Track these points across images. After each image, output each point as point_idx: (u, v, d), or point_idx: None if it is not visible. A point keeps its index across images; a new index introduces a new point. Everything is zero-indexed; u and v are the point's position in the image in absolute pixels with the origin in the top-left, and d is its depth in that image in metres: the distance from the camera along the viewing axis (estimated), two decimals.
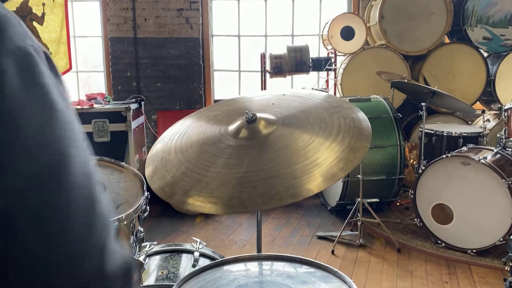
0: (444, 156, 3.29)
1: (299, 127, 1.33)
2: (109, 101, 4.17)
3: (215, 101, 5.42)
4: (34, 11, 4.17)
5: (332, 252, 3.35)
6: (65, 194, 0.48)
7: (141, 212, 1.65)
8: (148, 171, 1.40)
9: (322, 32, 4.96)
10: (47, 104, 0.49)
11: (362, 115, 1.36)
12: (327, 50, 4.98)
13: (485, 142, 3.71)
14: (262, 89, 4.56)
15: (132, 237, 1.62)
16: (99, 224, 0.51)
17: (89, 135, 3.78)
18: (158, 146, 1.49)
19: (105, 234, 0.52)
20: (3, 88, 0.45)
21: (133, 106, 4.00)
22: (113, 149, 3.78)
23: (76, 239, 0.48)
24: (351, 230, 3.59)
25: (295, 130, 1.32)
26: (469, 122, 4.56)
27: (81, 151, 0.53)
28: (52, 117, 0.49)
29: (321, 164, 1.18)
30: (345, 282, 1.14)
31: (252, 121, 1.36)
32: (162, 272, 1.57)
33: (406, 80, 3.86)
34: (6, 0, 3.99)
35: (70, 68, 4.37)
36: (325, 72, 4.85)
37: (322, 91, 4.52)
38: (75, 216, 0.48)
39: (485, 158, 3.16)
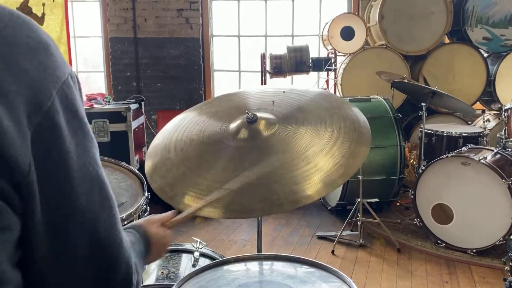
0: (444, 156, 3.29)
1: (299, 129, 1.32)
2: (109, 101, 4.17)
3: None
4: (34, 11, 4.17)
5: (332, 252, 3.35)
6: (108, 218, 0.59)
7: (141, 212, 1.66)
8: (147, 165, 1.39)
9: (322, 32, 4.96)
10: (84, 137, 0.55)
11: (361, 117, 1.35)
12: (327, 50, 4.98)
13: (485, 142, 3.71)
14: None
15: None
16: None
17: None
18: (158, 140, 1.49)
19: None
20: (60, 130, 0.50)
21: (133, 106, 4.00)
22: (113, 149, 3.78)
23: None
24: (351, 230, 3.59)
25: (295, 133, 1.31)
26: (469, 122, 4.56)
27: (100, 169, 0.60)
28: (87, 149, 0.55)
29: (321, 169, 1.17)
30: (345, 282, 1.14)
31: (252, 121, 1.35)
32: (162, 272, 1.57)
33: (406, 80, 3.86)
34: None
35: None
36: (325, 72, 4.85)
37: None
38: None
39: (485, 158, 3.16)
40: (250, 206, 1.14)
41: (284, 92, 1.53)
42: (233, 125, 1.40)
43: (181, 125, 1.51)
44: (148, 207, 1.71)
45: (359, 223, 3.40)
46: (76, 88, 0.55)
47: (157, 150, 1.43)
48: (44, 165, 0.48)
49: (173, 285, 1.18)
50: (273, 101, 1.48)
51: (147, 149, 4.43)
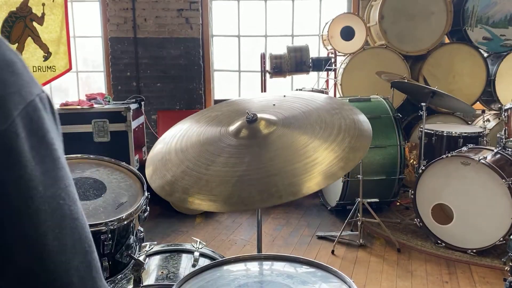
0: (444, 156, 3.29)
1: (300, 127, 1.33)
2: (109, 101, 4.17)
3: (215, 101, 5.42)
4: (34, 11, 4.17)
5: (332, 252, 3.35)
6: (70, 253, 0.48)
7: (141, 212, 1.66)
8: (148, 171, 1.40)
9: (322, 32, 4.96)
10: (54, 165, 0.48)
11: (362, 117, 1.36)
12: (327, 50, 4.98)
13: (485, 142, 3.71)
14: (262, 89, 4.56)
15: (132, 237, 1.62)
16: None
17: (89, 135, 3.78)
18: (159, 146, 1.50)
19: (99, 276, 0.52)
20: (19, 155, 0.44)
21: (133, 106, 4.00)
22: (113, 149, 3.78)
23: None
24: (351, 230, 3.59)
25: (296, 130, 1.32)
26: (469, 122, 4.56)
27: (78, 205, 0.51)
28: (57, 179, 0.48)
29: (321, 162, 1.18)
30: (345, 282, 1.14)
31: (252, 121, 1.36)
32: (162, 272, 1.57)
33: (406, 80, 3.86)
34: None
35: (70, 68, 4.37)
36: (325, 72, 4.85)
37: (322, 91, 4.53)
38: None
39: (485, 158, 3.16)
40: (249, 198, 1.14)
41: (284, 96, 1.54)
42: (233, 126, 1.41)
43: (181, 130, 1.52)
44: (148, 207, 1.71)
45: (359, 223, 3.40)
46: (46, 111, 0.49)
47: (158, 154, 1.43)
48: (0, 194, 0.43)
49: (173, 285, 1.18)
50: (274, 104, 1.49)
51: (147, 149, 4.44)
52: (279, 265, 1.26)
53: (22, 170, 0.44)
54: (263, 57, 4.53)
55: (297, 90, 4.17)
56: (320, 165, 1.17)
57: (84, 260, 0.49)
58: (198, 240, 1.75)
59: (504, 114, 3.54)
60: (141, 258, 1.36)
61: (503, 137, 3.42)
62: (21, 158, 0.44)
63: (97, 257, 0.52)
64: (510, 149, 3.36)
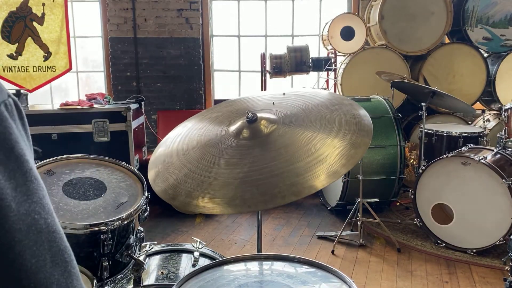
0: (444, 156, 3.29)
1: (300, 125, 1.33)
2: (109, 101, 4.17)
3: (215, 101, 5.42)
4: (34, 11, 4.17)
5: (332, 252, 3.35)
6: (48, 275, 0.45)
7: (141, 212, 1.66)
8: (150, 174, 1.40)
9: (322, 32, 4.96)
10: (25, 178, 0.44)
11: (363, 111, 1.36)
12: (327, 50, 4.98)
13: (485, 142, 3.71)
14: (262, 89, 4.56)
15: (132, 237, 1.62)
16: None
17: (89, 135, 3.78)
18: (161, 149, 1.50)
19: None
20: None
21: (133, 106, 4.00)
22: (113, 149, 3.78)
23: None
24: (351, 230, 3.59)
25: (297, 128, 1.32)
26: (469, 122, 4.56)
27: (54, 216, 0.48)
28: (29, 193, 0.44)
29: (324, 160, 1.18)
30: (345, 282, 1.14)
31: (253, 121, 1.36)
32: (162, 272, 1.57)
33: (406, 80, 3.86)
34: None
35: (70, 68, 4.37)
36: (325, 72, 4.85)
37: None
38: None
39: (485, 158, 3.16)
40: (252, 200, 1.14)
41: (284, 94, 1.54)
42: (234, 127, 1.41)
43: (182, 133, 1.52)
44: (148, 207, 1.71)
45: (359, 223, 3.40)
46: (14, 118, 0.44)
47: (160, 157, 1.43)
48: None
49: (173, 285, 1.18)
50: (273, 102, 1.49)
51: (147, 149, 4.44)
52: (279, 265, 1.26)
53: None
54: (263, 57, 4.53)
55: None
56: (322, 164, 1.17)
57: (64, 271, 0.47)
58: (198, 240, 1.75)
59: (504, 114, 3.54)
60: (141, 258, 1.36)
61: (503, 137, 3.42)
62: None
63: (76, 264, 0.49)
64: (510, 149, 3.36)
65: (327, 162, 1.17)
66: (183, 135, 1.49)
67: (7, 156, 0.43)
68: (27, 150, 0.45)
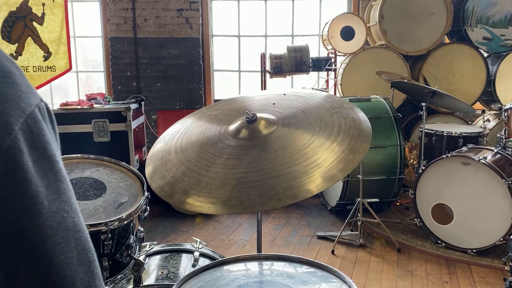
0: (444, 156, 3.29)
1: (299, 128, 1.32)
2: (109, 101, 4.17)
3: (215, 101, 5.42)
4: (34, 11, 4.17)
5: (332, 252, 3.35)
6: (76, 264, 0.48)
7: (141, 212, 1.66)
8: (148, 170, 1.40)
9: (322, 32, 4.96)
10: (56, 178, 0.47)
11: (362, 116, 1.36)
12: (327, 50, 4.98)
13: (485, 142, 3.71)
14: (262, 89, 4.56)
15: (132, 237, 1.62)
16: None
17: (89, 135, 3.78)
18: (159, 145, 1.50)
19: None
20: (24, 171, 0.43)
21: (133, 106, 4.00)
22: (113, 149, 3.78)
23: None
24: (351, 230, 3.59)
25: (296, 130, 1.32)
26: (469, 122, 4.56)
27: (80, 216, 0.51)
28: (60, 192, 0.47)
29: (321, 165, 1.18)
30: (345, 282, 1.14)
31: (252, 121, 1.35)
32: (162, 272, 1.57)
33: (406, 80, 3.86)
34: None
35: (70, 68, 4.37)
36: (325, 72, 4.85)
37: (322, 91, 4.52)
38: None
39: (485, 158, 3.16)
40: (249, 201, 1.14)
41: (284, 94, 1.54)
42: (233, 126, 1.40)
43: (181, 129, 1.51)
44: (148, 207, 1.71)
45: (359, 223, 3.40)
46: (46, 121, 0.47)
47: (158, 153, 1.43)
48: (7, 213, 0.42)
49: (173, 285, 1.18)
50: (274, 103, 1.49)
51: (147, 149, 4.44)
52: (279, 265, 1.26)
53: (27, 186, 0.43)
54: (263, 57, 4.53)
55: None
56: (319, 168, 1.17)
57: (88, 270, 0.49)
58: (198, 240, 1.75)
59: (504, 114, 3.54)
60: (141, 258, 1.36)
61: (503, 137, 3.42)
62: (25, 174, 0.43)
63: (98, 265, 0.51)
64: (510, 149, 3.36)
65: (324, 166, 1.17)
66: (182, 132, 1.49)
67: (41, 157, 0.45)
68: (57, 151, 0.48)
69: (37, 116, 0.46)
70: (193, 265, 1.59)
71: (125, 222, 1.56)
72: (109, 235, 1.50)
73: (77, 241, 0.48)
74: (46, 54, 4.28)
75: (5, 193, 0.42)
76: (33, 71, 4.29)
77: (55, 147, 0.48)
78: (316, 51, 5.25)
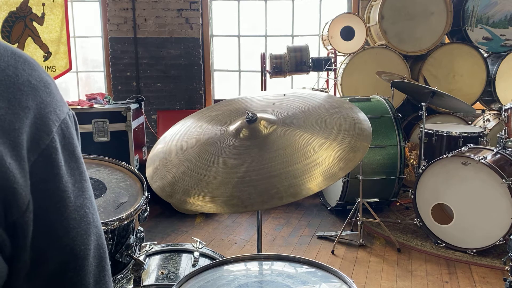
0: (444, 156, 3.29)
1: (300, 127, 1.33)
2: (109, 101, 4.17)
3: (215, 101, 5.42)
4: (34, 11, 4.17)
5: (332, 252, 3.35)
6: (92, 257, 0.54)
7: (141, 212, 1.66)
8: (148, 171, 1.40)
9: (322, 32, 4.97)
10: (81, 177, 0.53)
11: (362, 115, 1.36)
12: (327, 50, 4.98)
13: (485, 142, 3.71)
14: (262, 89, 4.56)
15: (132, 237, 1.62)
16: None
17: (89, 135, 3.78)
18: (159, 146, 1.50)
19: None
20: (58, 168, 0.49)
21: (133, 106, 4.00)
22: (113, 149, 3.78)
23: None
24: (351, 230, 3.59)
25: (296, 130, 1.32)
26: (469, 122, 4.56)
27: (97, 214, 0.57)
28: (84, 190, 0.53)
29: (321, 163, 1.18)
30: (345, 282, 1.14)
31: (252, 121, 1.36)
32: (162, 272, 1.57)
33: (406, 80, 3.86)
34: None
35: (70, 68, 4.37)
36: (325, 72, 4.85)
37: (322, 91, 4.52)
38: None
39: (485, 158, 3.16)
40: (250, 200, 1.14)
41: (284, 95, 1.54)
42: (233, 126, 1.40)
43: (182, 130, 1.51)
44: (148, 207, 1.71)
45: (359, 223, 3.40)
46: (73, 127, 0.54)
47: (158, 154, 1.43)
48: (40, 205, 0.47)
49: (173, 285, 1.18)
50: (273, 103, 1.49)
51: (147, 149, 4.44)
52: (279, 265, 1.26)
53: (59, 182, 0.49)
54: (263, 57, 4.53)
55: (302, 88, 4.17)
56: (320, 166, 1.17)
57: (99, 265, 0.54)
58: (198, 240, 1.75)
59: (504, 114, 3.54)
60: (141, 258, 1.36)
61: (503, 137, 3.42)
62: (58, 170, 0.49)
63: (109, 263, 0.56)
64: (510, 149, 3.36)
65: (325, 164, 1.17)
66: (182, 133, 1.49)
67: (71, 157, 0.52)
68: (81, 155, 0.55)
69: (68, 122, 0.52)
70: (193, 265, 1.59)
71: (125, 222, 1.56)
72: (109, 235, 1.50)
73: (95, 236, 0.54)
74: (46, 54, 4.28)
75: (41, 186, 0.47)
76: None
77: (80, 151, 0.55)
78: (316, 51, 5.25)
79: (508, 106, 3.50)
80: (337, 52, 4.66)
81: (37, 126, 0.47)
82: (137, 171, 1.76)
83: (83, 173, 0.53)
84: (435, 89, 3.58)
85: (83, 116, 3.78)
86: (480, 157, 3.13)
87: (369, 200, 3.43)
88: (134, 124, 3.96)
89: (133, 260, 1.37)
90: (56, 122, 0.50)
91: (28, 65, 0.50)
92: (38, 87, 0.50)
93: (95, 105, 3.92)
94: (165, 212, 4.14)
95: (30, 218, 0.46)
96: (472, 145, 3.53)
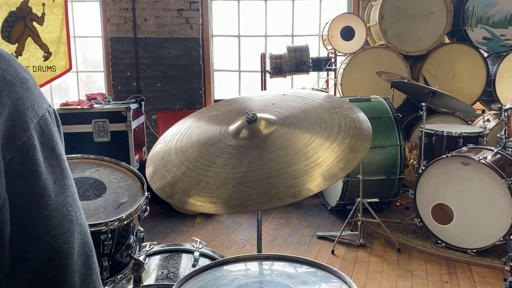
0: (444, 156, 3.29)
1: (300, 127, 1.32)
2: (109, 101, 4.17)
3: (215, 101, 5.42)
4: (34, 11, 4.17)
5: (332, 252, 3.35)
6: (76, 256, 0.52)
7: (141, 212, 1.66)
8: (148, 171, 1.40)
9: (322, 32, 4.96)
10: (62, 174, 0.52)
11: (362, 116, 1.36)
12: (327, 50, 4.98)
13: (485, 142, 3.71)
14: (262, 89, 4.56)
15: (132, 237, 1.62)
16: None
17: (89, 135, 3.78)
18: (159, 146, 1.49)
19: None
20: (36, 165, 0.48)
21: (133, 106, 4.00)
22: (113, 149, 3.78)
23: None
24: (351, 230, 3.59)
25: (296, 130, 1.32)
26: (469, 122, 4.56)
27: (81, 211, 0.55)
28: (65, 188, 0.52)
29: (321, 164, 1.18)
30: (345, 282, 1.14)
31: (252, 121, 1.36)
32: (162, 272, 1.57)
33: (406, 80, 3.86)
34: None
35: (70, 68, 4.37)
36: (325, 72, 4.85)
37: (322, 91, 4.52)
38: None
39: (485, 158, 3.16)
40: (249, 200, 1.14)
41: (284, 95, 1.54)
42: (233, 126, 1.40)
43: (181, 130, 1.51)
44: (148, 207, 1.71)
45: (359, 223, 3.40)
46: (54, 124, 0.53)
47: (158, 154, 1.43)
48: (18, 203, 0.46)
49: (173, 285, 1.18)
50: (273, 103, 1.49)
51: (147, 149, 4.44)
52: (279, 265, 1.26)
53: (37, 179, 0.48)
54: (263, 57, 4.53)
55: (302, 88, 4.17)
56: (320, 167, 1.17)
57: (85, 263, 0.53)
58: (198, 240, 1.75)
59: (504, 114, 3.54)
60: (141, 258, 1.36)
61: (503, 137, 3.42)
62: (37, 167, 0.48)
63: (96, 261, 0.55)
64: (510, 149, 3.36)
65: (325, 165, 1.17)
66: (182, 133, 1.49)
67: (50, 154, 0.50)
68: (63, 151, 0.54)
69: (47, 119, 0.51)
70: (193, 265, 1.59)
71: (125, 222, 1.56)
72: (109, 235, 1.50)
73: (79, 234, 0.52)
74: (46, 54, 4.28)
75: (19, 184, 0.46)
76: (33, 71, 4.29)
77: (62, 147, 0.53)
78: (316, 51, 5.25)
79: (508, 106, 3.50)
80: (337, 52, 4.66)
81: (12, 123, 0.46)
82: (137, 171, 1.76)
83: (64, 170, 0.52)
84: (435, 89, 3.58)
85: (83, 116, 3.78)
86: (480, 157, 3.13)
87: (369, 200, 3.43)
88: (134, 124, 3.96)
89: (133, 260, 1.37)
90: (34, 119, 0.49)
91: (3, 61, 0.49)
92: (14, 83, 0.48)
93: (95, 105, 3.92)
94: (165, 212, 4.14)
95: (6, 217, 0.45)
96: (472, 145, 3.53)
